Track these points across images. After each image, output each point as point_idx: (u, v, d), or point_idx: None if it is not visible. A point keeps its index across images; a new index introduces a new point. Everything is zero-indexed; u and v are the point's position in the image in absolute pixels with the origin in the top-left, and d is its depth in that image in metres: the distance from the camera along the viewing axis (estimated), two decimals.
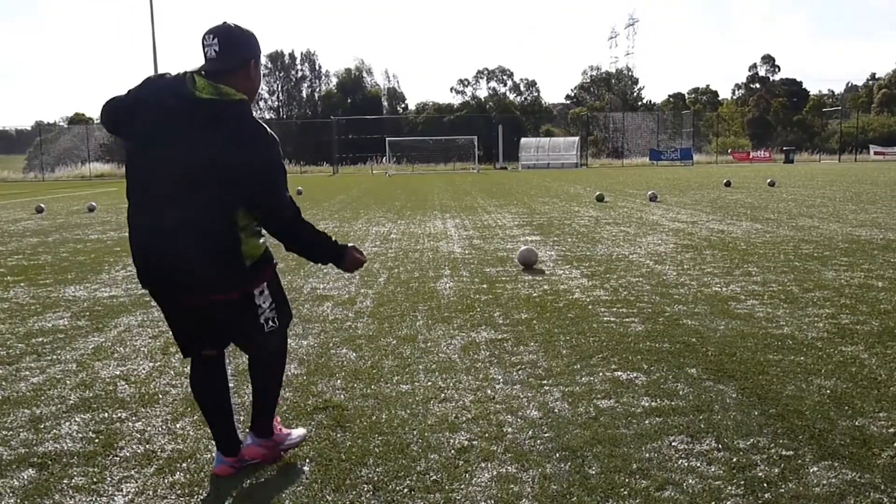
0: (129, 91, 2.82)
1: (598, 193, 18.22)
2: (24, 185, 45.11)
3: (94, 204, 18.96)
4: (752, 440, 3.24)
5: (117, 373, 4.47)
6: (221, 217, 2.68)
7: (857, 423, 3.39)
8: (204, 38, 2.69)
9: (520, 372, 4.30)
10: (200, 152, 2.62)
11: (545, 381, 4.11)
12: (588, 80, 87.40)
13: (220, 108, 2.67)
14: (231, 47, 2.70)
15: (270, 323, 2.92)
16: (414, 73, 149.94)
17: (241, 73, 2.74)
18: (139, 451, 3.30)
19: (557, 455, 3.14)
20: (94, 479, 3.02)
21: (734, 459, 3.05)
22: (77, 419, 3.70)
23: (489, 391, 3.98)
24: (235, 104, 2.70)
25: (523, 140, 58.95)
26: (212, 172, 2.62)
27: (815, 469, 2.95)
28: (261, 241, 2.84)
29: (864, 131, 67.82)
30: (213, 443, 3.18)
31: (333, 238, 2.98)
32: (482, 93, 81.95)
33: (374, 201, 20.16)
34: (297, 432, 3.29)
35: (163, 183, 2.66)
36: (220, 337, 3.04)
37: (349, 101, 76.47)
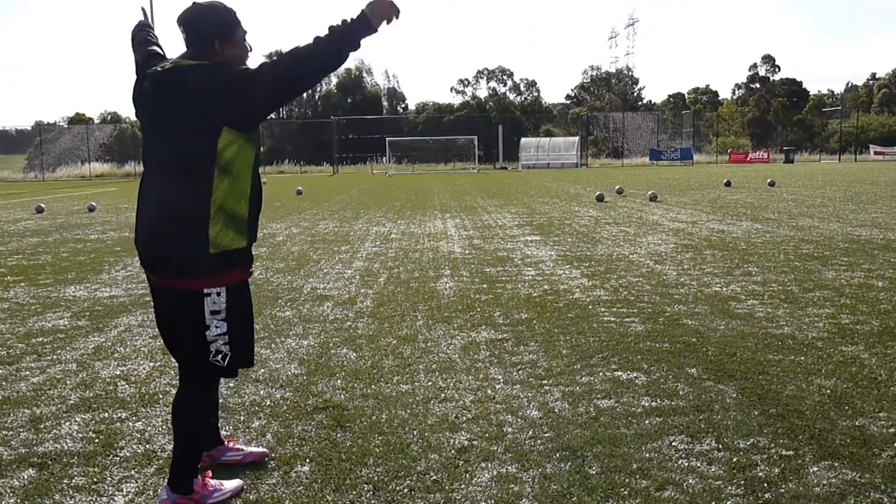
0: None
1: (598, 193, 17.98)
2: (25, 185, 45.10)
3: (94, 204, 18.96)
4: (752, 440, 3.24)
5: (117, 373, 4.48)
6: (195, 180, 2.55)
7: (857, 423, 3.39)
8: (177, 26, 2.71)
9: (520, 372, 4.30)
10: (171, 110, 2.59)
11: (545, 381, 4.11)
12: (588, 80, 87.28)
13: (177, 72, 2.61)
14: (195, 31, 2.66)
15: (219, 357, 2.65)
16: (414, 73, 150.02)
17: (210, 54, 2.64)
18: (139, 451, 3.30)
19: (557, 455, 3.14)
20: (94, 479, 3.02)
21: (734, 459, 3.05)
22: (77, 419, 3.70)
23: (489, 391, 3.99)
24: (192, 67, 2.61)
25: (523, 140, 58.90)
26: (187, 113, 2.55)
27: (815, 469, 2.95)
28: (239, 236, 2.63)
29: (864, 131, 67.67)
30: None
31: (345, 19, 2.57)
32: (482, 93, 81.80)
33: (374, 201, 20.15)
34: (231, 484, 2.89)
35: (151, 158, 2.70)
36: (170, 333, 2.79)
37: (349, 100, 76.30)
